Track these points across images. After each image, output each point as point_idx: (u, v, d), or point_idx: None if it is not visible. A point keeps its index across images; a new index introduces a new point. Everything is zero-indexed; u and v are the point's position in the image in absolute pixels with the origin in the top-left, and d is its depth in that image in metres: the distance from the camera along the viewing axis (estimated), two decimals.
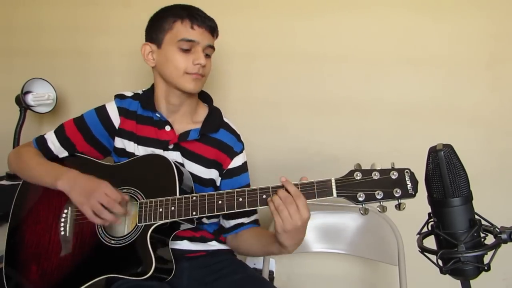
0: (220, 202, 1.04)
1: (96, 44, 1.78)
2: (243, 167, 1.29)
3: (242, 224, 1.26)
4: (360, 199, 0.95)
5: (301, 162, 1.68)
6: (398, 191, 0.93)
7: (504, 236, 0.78)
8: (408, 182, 0.93)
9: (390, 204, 0.95)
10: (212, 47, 1.20)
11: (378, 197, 0.94)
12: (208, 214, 1.06)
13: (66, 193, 1.12)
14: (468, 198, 0.80)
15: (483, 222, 0.81)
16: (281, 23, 1.65)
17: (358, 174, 0.96)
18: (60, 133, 1.26)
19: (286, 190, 0.98)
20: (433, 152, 0.81)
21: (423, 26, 1.58)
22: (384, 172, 0.95)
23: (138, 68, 1.72)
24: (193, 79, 1.17)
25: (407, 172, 0.94)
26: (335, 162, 1.66)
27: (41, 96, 1.64)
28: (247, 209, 1.03)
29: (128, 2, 1.75)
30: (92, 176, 1.13)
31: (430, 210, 0.85)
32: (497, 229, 0.79)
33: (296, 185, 0.99)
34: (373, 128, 1.64)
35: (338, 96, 1.65)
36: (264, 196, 1.01)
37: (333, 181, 0.97)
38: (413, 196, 0.92)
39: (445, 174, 0.79)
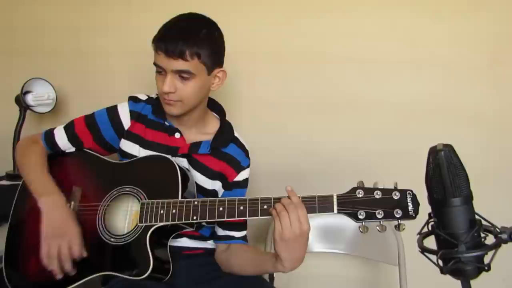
0: (221, 209, 1.04)
1: (96, 44, 1.78)
2: (245, 183, 1.28)
3: (232, 237, 1.25)
4: (361, 217, 0.95)
5: (300, 162, 1.68)
6: (399, 212, 0.93)
7: (504, 236, 0.77)
8: (409, 204, 0.93)
9: (390, 224, 0.96)
10: (184, 71, 1.09)
11: (379, 216, 0.94)
12: (208, 220, 1.06)
13: (41, 211, 1.11)
14: (468, 198, 0.80)
15: (484, 222, 0.81)
16: (282, 23, 1.65)
17: (360, 192, 0.96)
18: (69, 129, 1.26)
19: (289, 199, 0.99)
20: (433, 152, 0.81)
21: (423, 26, 1.57)
22: (386, 191, 0.95)
23: (138, 68, 1.72)
24: (165, 103, 1.14)
25: (409, 193, 0.94)
26: (334, 162, 1.66)
27: (41, 96, 1.65)
28: (247, 218, 1.03)
29: (128, 2, 1.75)
30: (71, 215, 1.12)
31: (430, 210, 0.85)
32: (497, 229, 0.79)
33: (298, 197, 0.99)
34: (373, 128, 1.64)
35: (338, 96, 1.65)
36: (265, 207, 1.01)
37: (334, 197, 0.97)
38: (413, 218, 0.92)
39: (445, 174, 0.79)
